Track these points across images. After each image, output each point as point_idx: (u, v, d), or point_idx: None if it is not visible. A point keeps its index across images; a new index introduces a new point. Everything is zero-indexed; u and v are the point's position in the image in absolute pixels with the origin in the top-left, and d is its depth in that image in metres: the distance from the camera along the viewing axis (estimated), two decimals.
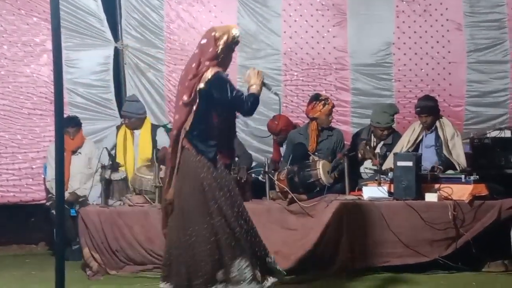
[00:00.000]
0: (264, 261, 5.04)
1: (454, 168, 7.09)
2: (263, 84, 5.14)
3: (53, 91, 3.70)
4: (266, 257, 5.07)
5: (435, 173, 6.87)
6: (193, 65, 4.96)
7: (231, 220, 4.90)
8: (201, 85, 4.88)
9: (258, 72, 5.16)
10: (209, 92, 4.90)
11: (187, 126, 4.92)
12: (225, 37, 4.98)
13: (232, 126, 5.17)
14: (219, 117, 4.99)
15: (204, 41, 5.02)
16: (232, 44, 5.03)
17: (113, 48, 8.48)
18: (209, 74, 4.90)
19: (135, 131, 7.80)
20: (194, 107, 4.90)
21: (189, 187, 4.92)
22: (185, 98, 4.91)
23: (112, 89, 8.49)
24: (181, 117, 4.95)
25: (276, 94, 5.45)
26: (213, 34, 5.00)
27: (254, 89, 5.06)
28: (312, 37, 8.51)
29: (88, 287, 6.19)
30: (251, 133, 8.18)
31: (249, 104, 4.99)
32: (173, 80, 8.52)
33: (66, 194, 7.51)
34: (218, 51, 4.96)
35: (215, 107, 4.95)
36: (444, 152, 7.21)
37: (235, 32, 5.03)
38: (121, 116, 8.08)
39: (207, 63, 4.93)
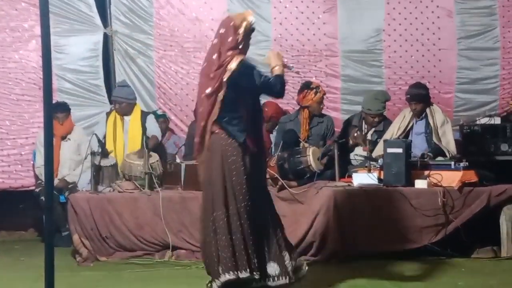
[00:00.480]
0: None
1: (444, 155, 7.10)
2: (284, 65, 5.16)
3: (41, 77, 3.67)
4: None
5: (425, 160, 6.89)
6: (214, 56, 4.97)
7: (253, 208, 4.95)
8: (228, 75, 4.90)
9: (277, 53, 5.18)
10: (237, 81, 4.92)
11: (214, 115, 4.93)
12: (244, 25, 4.99)
13: (259, 114, 5.22)
14: (247, 104, 5.02)
15: (222, 30, 5.02)
16: (250, 31, 5.04)
17: (102, 34, 8.44)
18: (234, 64, 4.91)
19: (125, 117, 7.77)
20: (220, 96, 4.91)
21: (218, 170, 4.94)
22: (208, 90, 4.93)
23: (102, 75, 8.45)
24: (206, 108, 4.97)
25: (297, 72, 5.47)
26: (232, 23, 4.99)
27: (277, 70, 5.07)
28: (302, 24, 8.50)
29: (78, 273, 6.17)
30: None
31: (279, 86, 5.03)
32: (162, 66, 8.50)
33: (56, 181, 7.50)
34: (239, 40, 4.97)
35: (243, 94, 4.99)
36: (434, 139, 7.22)
37: (251, 19, 5.04)
38: (111, 102, 8.04)
39: (229, 52, 4.94)
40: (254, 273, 4.90)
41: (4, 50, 8.23)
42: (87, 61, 8.42)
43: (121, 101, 7.72)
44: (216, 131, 4.96)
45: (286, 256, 5.10)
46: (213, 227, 4.90)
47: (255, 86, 4.99)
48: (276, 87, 5.02)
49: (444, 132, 7.24)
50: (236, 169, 4.94)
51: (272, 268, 5.05)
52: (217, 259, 4.88)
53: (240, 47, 4.98)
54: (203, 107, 5.00)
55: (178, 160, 7.57)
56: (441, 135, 7.23)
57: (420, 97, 7.35)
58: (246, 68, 4.97)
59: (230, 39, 4.96)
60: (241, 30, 4.98)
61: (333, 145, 7.01)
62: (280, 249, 5.10)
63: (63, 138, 7.84)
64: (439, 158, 7.03)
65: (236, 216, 4.90)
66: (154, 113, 8.10)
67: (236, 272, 4.84)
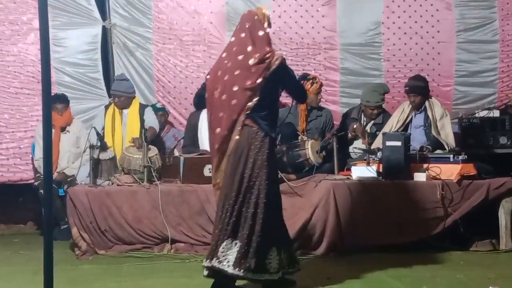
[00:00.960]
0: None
1: (442, 148, 7.11)
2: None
3: (40, 70, 3.66)
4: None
5: (424, 153, 6.89)
6: (249, 48, 4.99)
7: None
8: (271, 71, 4.95)
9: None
10: (278, 78, 5.00)
11: (249, 108, 4.95)
12: (266, 19, 5.10)
13: (277, 111, 5.31)
14: (277, 102, 5.19)
15: (248, 24, 5.08)
16: (270, 25, 5.12)
17: (101, 27, 8.42)
18: (277, 61, 4.98)
19: (123, 110, 7.77)
20: (259, 91, 4.95)
21: (243, 162, 4.99)
22: (248, 82, 4.93)
23: (100, 68, 8.44)
24: (241, 101, 4.96)
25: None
26: (256, 17, 5.08)
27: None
28: (301, 17, 8.48)
29: (77, 267, 6.18)
30: None
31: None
32: (161, 60, 8.48)
33: (55, 174, 7.51)
34: (268, 33, 5.06)
35: (277, 91, 5.13)
36: (433, 132, 7.22)
37: (268, 12, 5.15)
38: (110, 95, 8.03)
39: (268, 48, 5.00)
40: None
41: (2, 43, 8.21)
42: (85, 54, 8.41)
43: (120, 94, 7.72)
44: (249, 124, 4.99)
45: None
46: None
47: (292, 85, 5.20)
48: (306, 93, 5.42)
49: (443, 125, 7.24)
50: (262, 162, 4.97)
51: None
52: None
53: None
54: (238, 100, 4.98)
55: (176, 153, 7.56)
56: (440, 128, 7.23)
57: (419, 89, 7.35)
58: (287, 67, 5.11)
59: (261, 33, 5.04)
60: (266, 24, 5.07)
61: (332, 138, 7.01)
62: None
63: (63, 130, 7.84)
64: (438, 151, 7.04)
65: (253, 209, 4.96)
66: (153, 106, 8.10)
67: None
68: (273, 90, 5.07)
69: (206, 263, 5.00)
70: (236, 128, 4.99)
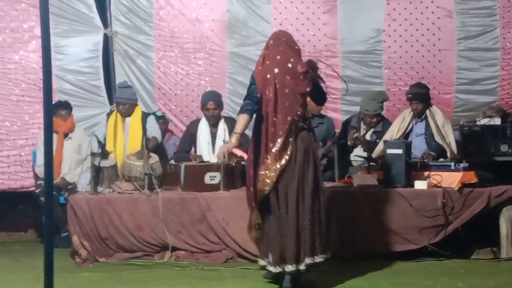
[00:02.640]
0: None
1: (445, 156, 7.09)
2: None
3: (42, 77, 3.66)
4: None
5: (425, 160, 6.89)
6: (292, 59, 5.47)
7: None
8: (313, 80, 5.50)
9: None
10: (316, 85, 5.55)
11: (303, 113, 5.48)
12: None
13: None
14: None
15: (285, 39, 5.63)
16: None
17: (102, 34, 8.43)
18: (313, 72, 5.53)
19: (126, 118, 7.76)
20: (306, 98, 5.54)
21: (309, 162, 5.44)
22: (307, 89, 5.45)
23: (102, 76, 8.44)
24: (296, 105, 5.42)
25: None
26: (289, 35, 5.74)
27: None
28: (302, 24, 8.50)
29: (77, 274, 6.17)
30: None
31: None
32: (162, 67, 8.49)
33: (57, 179, 7.51)
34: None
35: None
36: (437, 139, 7.20)
37: None
38: (111, 103, 8.03)
39: (302, 60, 5.58)
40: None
41: (4, 51, 8.22)
42: (87, 61, 8.42)
43: (124, 102, 7.71)
44: (305, 128, 5.48)
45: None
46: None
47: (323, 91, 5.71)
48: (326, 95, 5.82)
49: (446, 133, 7.23)
50: (319, 163, 5.57)
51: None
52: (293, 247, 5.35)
53: None
54: (293, 104, 5.41)
55: None
56: (444, 135, 7.21)
57: (421, 97, 7.35)
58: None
59: (296, 47, 5.61)
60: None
61: (333, 146, 7.01)
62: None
63: (65, 136, 7.85)
64: (440, 160, 7.03)
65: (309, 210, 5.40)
66: (154, 114, 8.09)
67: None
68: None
69: (293, 267, 5.35)
70: (293, 130, 5.39)
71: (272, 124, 5.37)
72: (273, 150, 5.34)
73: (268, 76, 5.41)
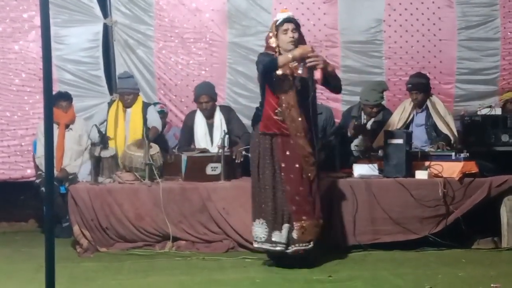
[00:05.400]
0: None
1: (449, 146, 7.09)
2: None
3: (41, 67, 3.64)
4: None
5: (438, 150, 6.90)
6: None
7: None
8: None
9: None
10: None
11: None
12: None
13: None
14: None
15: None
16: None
17: (102, 24, 8.40)
18: None
19: (127, 108, 7.75)
20: None
21: None
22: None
23: (102, 66, 8.42)
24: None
25: None
26: None
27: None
28: (303, 14, 8.45)
29: (78, 264, 6.18)
30: (241, 111, 8.11)
31: None
32: (162, 57, 8.47)
33: (55, 172, 7.49)
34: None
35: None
36: (441, 127, 7.19)
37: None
38: (117, 94, 7.97)
39: None
40: None
41: (4, 41, 8.19)
42: (87, 51, 8.39)
43: (129, 92, 7.70)
44: None
45: None
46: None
47: None
48: None
49: (449, 121, 7.23)
50: None
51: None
52: None
53: None
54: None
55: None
56: (448, 123, 7.21)
57: (421, 86, 7.35)
58: None
59: None
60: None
61: (333, 136, 7.01)
62: None
63: (66, 127, 7.84)
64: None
65: None
66: (155, 104, 8.07)
67: None
68: None
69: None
70: None
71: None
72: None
73: None
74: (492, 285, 5.22)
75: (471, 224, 6.57)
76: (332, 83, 6.01)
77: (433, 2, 8.44)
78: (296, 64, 5.76)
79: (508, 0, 8.42)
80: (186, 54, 8.49)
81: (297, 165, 5.80)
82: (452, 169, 6.67)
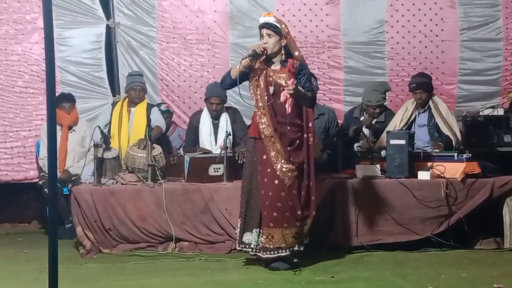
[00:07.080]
0: None
1: (451, 148, 7.09)
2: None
3: (44, 69, 3.66)
4: None
5: (435, 150, 6.90)
6: None
7: None
8: None
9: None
10: None
11: None
12: None
13: None
14: None
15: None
16: None
17: (105, 26, 8.41)
18: None
19: (131, 109, 7.76)
20: None
21: None
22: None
23: (104, 67, 8.43)
24: None
25: None
26: None
27: None
28: (305, 15, 8.48)
29: (82, 265, 6.18)
30: (243, 112, 8.11)
31: None
32: (165, 58, 8.48)
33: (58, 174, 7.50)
34: None
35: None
36: (443, 128, 7.19)
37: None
38: (126, 90, 7.95)
39: None
40: None
41: (7, 42, 8.21)
42: (90, 53, 8.40)
43: (137, 85, 7.74)
44: None
45: None
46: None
47: None
48: None
49: (451, 122, 7.23)
50: None
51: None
52: None
53: None
54: None
55: (182, 153, 7.55)
56: (449, 124, 7.21)
57: (425, 86, 7.36)
58: None
59: None
60: None
61: (335, 137, 7.02)
62: None
63: (69, 129, 7.85)
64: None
65: None
66: (159, 108, 8.07)
67: None
68: None
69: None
70: None
71: None
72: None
73: None
74: (494, 285, 5.22)
75: (473, 224, 6.56)
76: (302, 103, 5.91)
77: (435, 3, 8.44)
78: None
79: (511, 1, 8.42)
80: (188, 55, 8.50)
81: (269, 170, 5.81)
82: (454, 169, 6.67)
